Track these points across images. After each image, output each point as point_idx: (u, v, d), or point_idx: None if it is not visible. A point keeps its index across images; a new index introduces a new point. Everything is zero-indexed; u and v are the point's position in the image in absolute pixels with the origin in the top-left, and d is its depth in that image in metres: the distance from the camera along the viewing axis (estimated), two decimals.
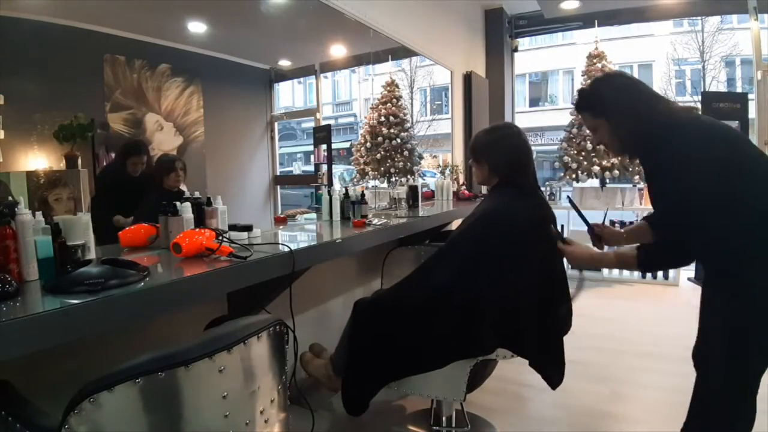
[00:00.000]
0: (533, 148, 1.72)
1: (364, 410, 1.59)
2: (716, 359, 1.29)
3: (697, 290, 4.85)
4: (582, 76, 4.92)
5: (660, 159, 1.29)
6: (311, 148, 3.57)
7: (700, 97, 5.57)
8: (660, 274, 4.58)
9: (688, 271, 4.50)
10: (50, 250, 1.13)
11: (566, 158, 4.79)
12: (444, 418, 1.85)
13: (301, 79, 4.80)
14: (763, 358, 1.25)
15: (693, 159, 1.22)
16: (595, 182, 4.86)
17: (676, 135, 1.27)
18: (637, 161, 1.58)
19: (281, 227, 2.23)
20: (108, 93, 2.36)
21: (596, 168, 4.63)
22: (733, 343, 1.24)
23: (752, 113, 4.37)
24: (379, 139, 4.01)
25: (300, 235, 2.05)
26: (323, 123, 3.96)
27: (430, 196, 3.80)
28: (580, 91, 1.53)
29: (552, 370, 1.59)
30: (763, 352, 1.24)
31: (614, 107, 1.39)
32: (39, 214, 1.18)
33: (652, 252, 1.40)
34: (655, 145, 1.28)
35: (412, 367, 1.56)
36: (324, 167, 3.37)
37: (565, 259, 1.59)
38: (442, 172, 4.04)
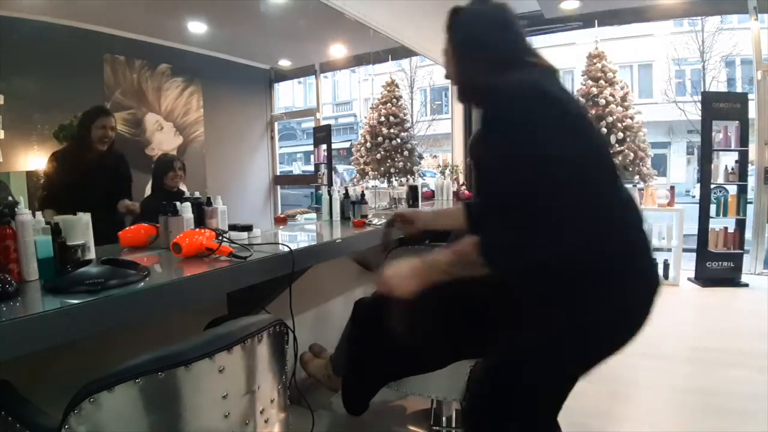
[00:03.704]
0: None
1: (364, 410, 1.59)
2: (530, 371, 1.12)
3: (697, 290, 4.81)
4: (582, 76, 4.92)
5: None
6: (311, 148, 3.57)
7: (700, 97, 5.57)
8: (660, 273, 4.57)
9: (688, 271, 4.49)
10: (50, 250, 1.13)
11: None
12: (444, 418, 1.85)
13: (301, 79, 4.82)
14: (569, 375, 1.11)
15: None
16: None
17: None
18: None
19: (281, 227, 2.23)
20: (108, 93, 2.36)
21: None
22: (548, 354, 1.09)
23: (752, 113, 4.37)
24: (379, 139, 4.01)
25: (300, 235, 2.05)
26: (323, 123, 3.97)
27: (430, 196, 3.80)
28: (456, 8, 1.17)
29: None
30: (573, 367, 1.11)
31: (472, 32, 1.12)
32: (39, 214, 1.18)
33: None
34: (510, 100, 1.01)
35: (413, 367, 1.56)
36: (324, 167, 3.38)
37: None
38: (442, 172, 4.04)
